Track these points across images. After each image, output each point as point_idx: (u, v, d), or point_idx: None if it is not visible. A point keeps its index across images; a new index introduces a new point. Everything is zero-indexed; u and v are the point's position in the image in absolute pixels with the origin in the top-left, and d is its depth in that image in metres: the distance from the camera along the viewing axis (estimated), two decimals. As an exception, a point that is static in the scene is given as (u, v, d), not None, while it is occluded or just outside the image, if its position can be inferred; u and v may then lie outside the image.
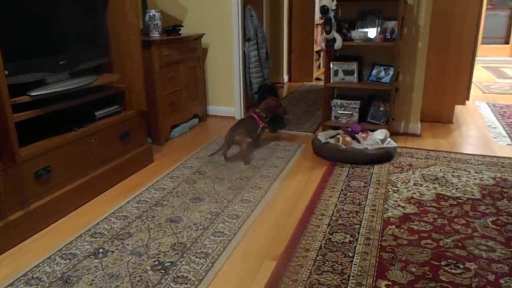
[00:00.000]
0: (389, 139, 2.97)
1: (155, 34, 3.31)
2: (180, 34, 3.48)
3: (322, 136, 3.03)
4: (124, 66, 2.66)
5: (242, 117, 4.02)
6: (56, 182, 2.14)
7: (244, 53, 3.95)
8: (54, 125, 2.29)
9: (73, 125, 2.31)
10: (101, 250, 1.85)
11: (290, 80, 6.07)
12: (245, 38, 3.95)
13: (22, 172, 1.94)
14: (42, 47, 2.08)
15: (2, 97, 1.73)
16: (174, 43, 3.33)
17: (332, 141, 2.97)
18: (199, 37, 3.72)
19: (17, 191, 1.92)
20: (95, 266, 1.73)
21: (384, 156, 2.80)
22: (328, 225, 2.02)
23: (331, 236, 1.92)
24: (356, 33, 3.13)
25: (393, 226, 1.99)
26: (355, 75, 3.26)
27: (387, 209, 2.16)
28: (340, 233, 1.94)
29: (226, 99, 4.05)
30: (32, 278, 1.66)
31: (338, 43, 3.08)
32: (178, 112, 3.51)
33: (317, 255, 1.78)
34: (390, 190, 2.40)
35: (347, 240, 1.88)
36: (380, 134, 2.96)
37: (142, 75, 2.67)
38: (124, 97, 2.67)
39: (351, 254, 1.78)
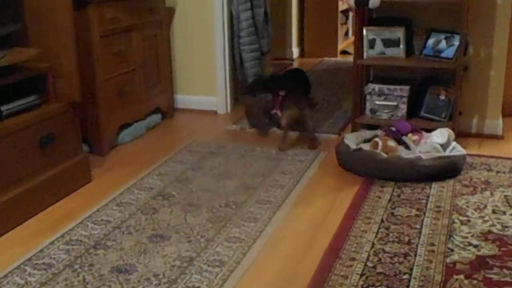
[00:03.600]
0: (454, 143, 2.99)
1: (94, -13, 3.34)
2: (132, -13, 3.51)
3: (351, 140, 3.05)
4: (47, 37, 2.67)
5: (229, 111, 4.04)
6: None
7: (231, 15, 3.97)
8: None
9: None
10: (10, 317, 1.84)
11: (302, 55, 6.13)
12: (233, -8, 3.98)
13: None
14: None
15: None
16: (123, 1, 3.36)
17: (367, 147, 2.98)
18: (161, -10, 3.76)
19: None
20: None
21: (446, 169, 2.81)
22: (362, 275, 2.03)
23: (365, 292, 1.93)
24: (401, -18, 3.17)
25: (461, 276, 2.00)
26: (401, 46, 3.28)
27: (452, 250, 2.17)
28: (379, 288, 1.95)
29: (204, 85, 4.07)
30: None
31: (375, -2, 3.11)
32: (129, 105, 3.52)
33: (344, 321, 1.78)
34: (456, 220, 2.41)
35: (390, 298, 1.89)
36: (441, 135, 2.97)
37: (74, 50, 2.68)
38: (47, 83, 2.68)
39: (396, 319, 1.78)
